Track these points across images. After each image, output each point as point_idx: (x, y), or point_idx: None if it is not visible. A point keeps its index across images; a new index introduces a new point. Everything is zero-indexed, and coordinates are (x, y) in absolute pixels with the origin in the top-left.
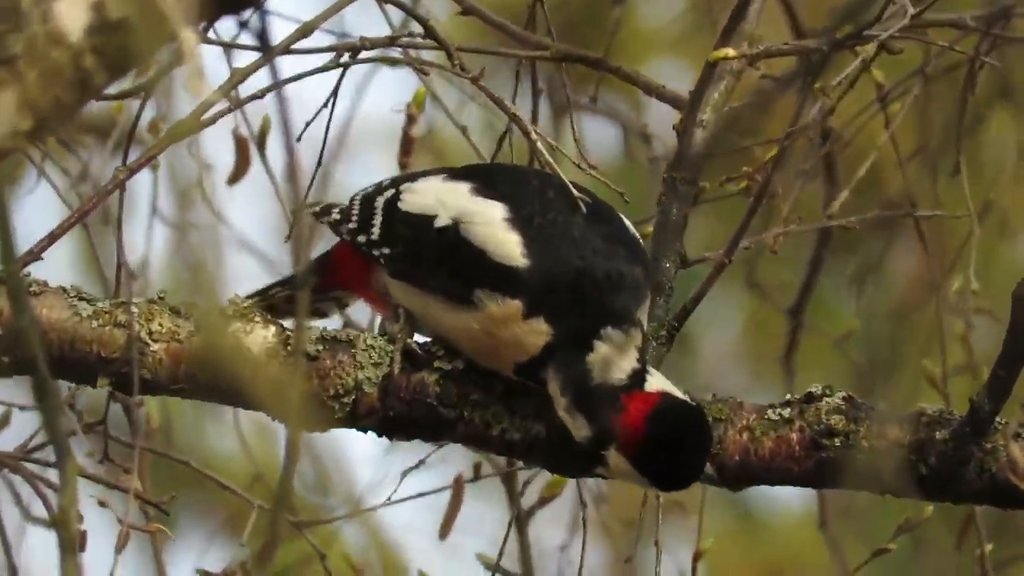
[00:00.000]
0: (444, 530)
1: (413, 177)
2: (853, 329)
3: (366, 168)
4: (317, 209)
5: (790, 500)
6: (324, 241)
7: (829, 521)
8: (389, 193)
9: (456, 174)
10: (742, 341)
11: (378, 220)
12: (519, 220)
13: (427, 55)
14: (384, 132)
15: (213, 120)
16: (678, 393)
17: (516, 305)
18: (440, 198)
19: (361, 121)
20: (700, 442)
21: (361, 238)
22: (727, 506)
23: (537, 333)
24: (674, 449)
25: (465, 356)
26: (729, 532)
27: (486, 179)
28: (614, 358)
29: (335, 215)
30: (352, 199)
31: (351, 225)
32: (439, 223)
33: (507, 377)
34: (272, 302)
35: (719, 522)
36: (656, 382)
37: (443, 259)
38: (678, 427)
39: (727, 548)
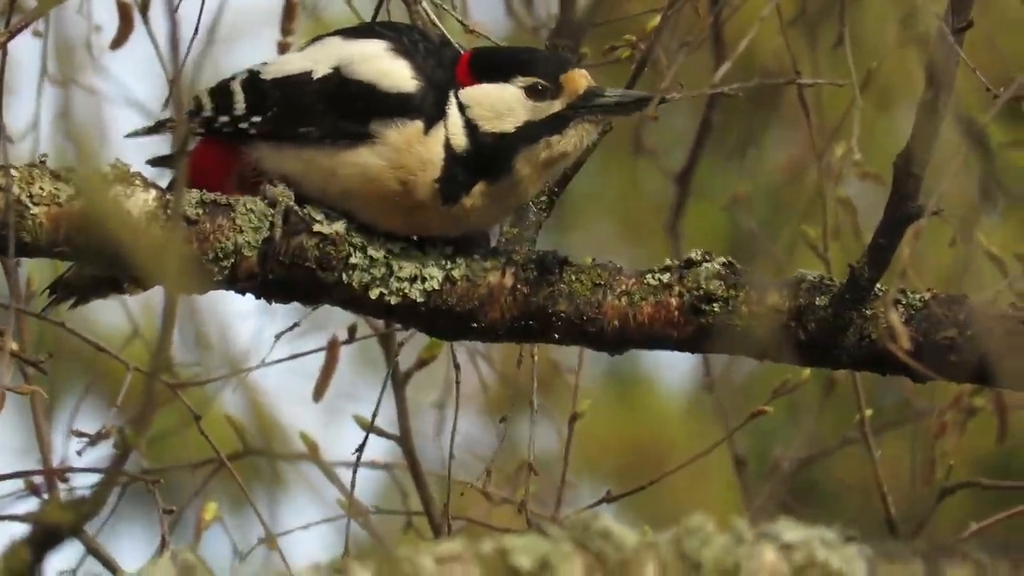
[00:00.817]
0: (319, 392)
1: (263, 63)
2: (740, 195)
3: (255, 43)
4: (148, 127)
5: (668, 370)
6: None
7: (714, 383)
8: (243, 75)
9: (318, 39)
10: (625, 211)
11: (239, 97)
12: (402, 49)
13: None
14: (272, 9)
15: None
16: None
17: (416, 126)
18: (311, 57)
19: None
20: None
21: (223, 118)
22: (607, 378)
23: (437, 141)
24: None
25: (356, 210)
26: (608, 403)
27: (352, 30)
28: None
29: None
30: (195, 97)
31: (205, 115)
32: (318, 75)
33: (391, 231)
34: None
35: (595, 392)
36: None
37: (329, 106)
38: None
39: (602, 420)
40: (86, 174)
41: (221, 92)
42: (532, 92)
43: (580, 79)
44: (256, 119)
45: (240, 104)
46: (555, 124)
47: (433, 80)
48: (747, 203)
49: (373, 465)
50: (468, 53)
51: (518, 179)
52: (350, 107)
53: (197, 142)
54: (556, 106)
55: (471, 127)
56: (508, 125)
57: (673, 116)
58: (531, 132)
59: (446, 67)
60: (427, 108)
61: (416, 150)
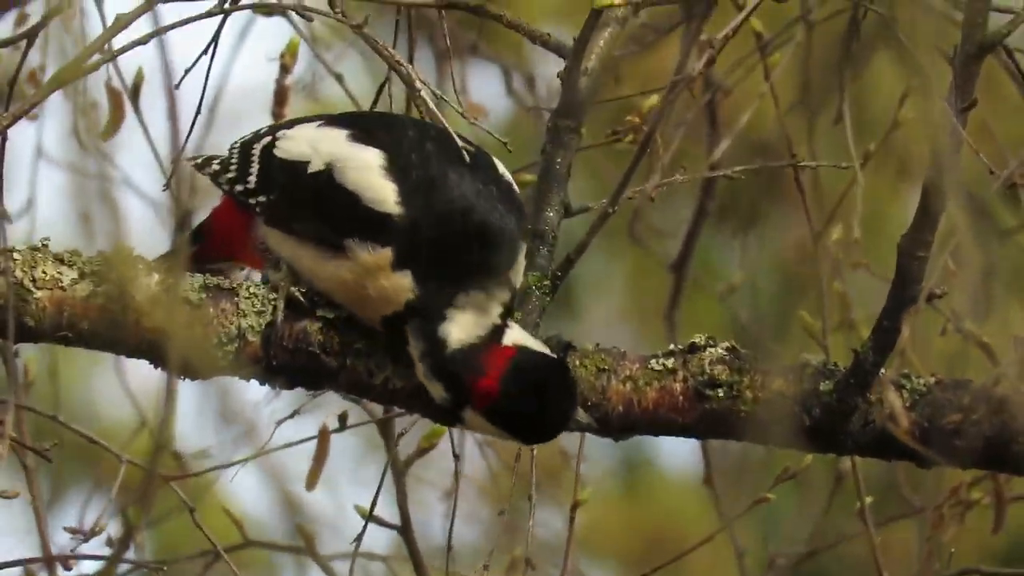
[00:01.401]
0: (311, 481)
1: (290, 124)
2: (736, 284)
3: (249, 124)
4: (198, 161)
5: (675, 458)
6: (204, 197)
7: (713, 476)
8: (266, 140)
9: (332, 120)
10: (627, 295)
11: (255, 168)
12: (395, 168)
13: (311, 3)
14: (267, 89)
15: (96, 66)
16: (535, 346)
17: (386, 254)
18: (314, 144)
19: (243, 79)
20: (559, 394)
21: (239, 187)
22: (613, 465)
23: (402, 289)
24: (531, 404)
25: (341, 306)
26: (615, 492)
27: (362, 126)
28: (473, 320)
29: (215, 166)
30: (231, 148)
31: (230, 175)
32: (312, 168)
33: (380, 329)
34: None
35: (604, 481)
36: (514, 335)
37: (316, 205)
38: (534, 382)
39: (612, 508)
40: (102, 258)
41: (244, 155)
42: None
43: None
44: (262, 199)
45: (253, 178)
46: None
47: (420, 206)
48: (744, 290)
49: (371, 556)
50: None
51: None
52: (331, 214)
53: (223, 197)
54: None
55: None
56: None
57: (675, 199)
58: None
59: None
60: (400, 239)
61: (382, 278)
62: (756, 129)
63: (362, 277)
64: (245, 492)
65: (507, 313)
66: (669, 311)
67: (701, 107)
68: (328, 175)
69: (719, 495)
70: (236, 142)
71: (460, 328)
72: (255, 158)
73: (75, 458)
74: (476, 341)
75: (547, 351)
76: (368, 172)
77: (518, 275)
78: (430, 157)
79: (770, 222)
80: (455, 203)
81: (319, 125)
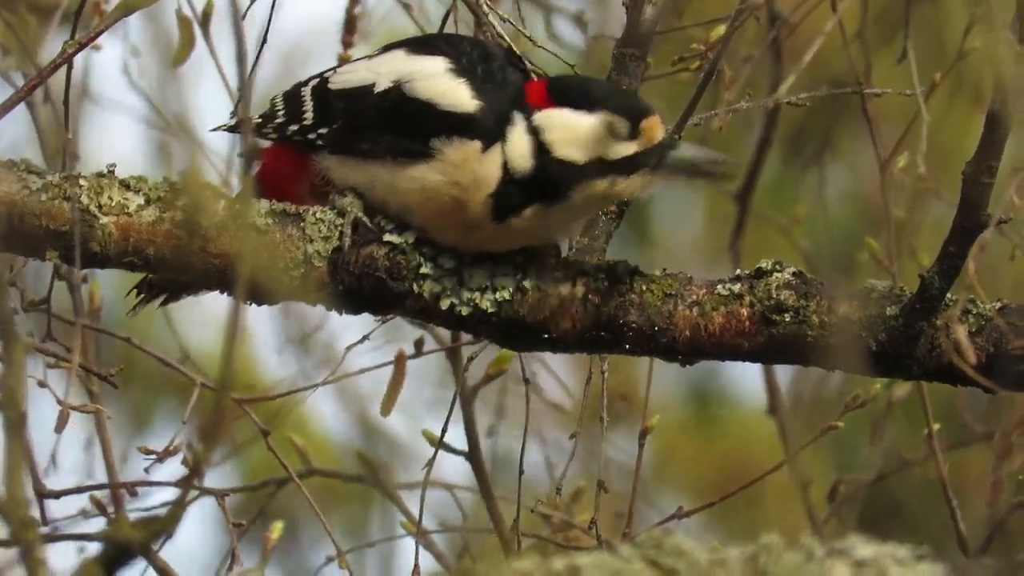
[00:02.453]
0: (386, 406)
1: (339, 66)
2: (800, 216)
3: (319, 57)
4: (231, 124)
5: (747, 385)
6: None
7: (779, 406)
8: (314, 81)
9: (386, 48)
10: (693, 225)
11: (309, 106)
12: (461, 69)
13: None
14: (335, 21)
15: None
16: None
17: (474, 145)
18: (375, 69)
19: (311, 12)
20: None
21: (293, 127)
22: (685, 394)
23: (494, 162)
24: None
25: (417, 226)
26: (687, 421)
27: (420, 44)
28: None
29: (258, 118)
30: (272, 101)
31: (278, 120)
32: (379, 88)
33: (455, 243)
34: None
35: (677, 409)
36: None
37: (389, 121)
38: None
39: (684, 436)
40: (190, 185)
41: (293, 98)
42: (611, 130)
43: (658, 128)
44: (323, 131)
45: (309, 114)
46: (626, 167)
47: (492, 101)
48: (813, 221)
49: (436, 484)
50: (545, 80)
51: (571, 207)
52: (409, 124)
53: (271, 145)
54: (631, 148)
55: (542, 150)
56: (580, 156)
57: (740, 130)
58: (600, 168)
59: (508, 87)
60: (486, 129)
61: (472, 167)
62: (823, 63)
63: (453, 173)
64: (324, 418)
65: None
66: (733, 241)
67: (767, 39)
68: (398, 90)
69: (789, 424)
70: (276, 96)
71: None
72: (306, 98)
73: (159, 384)
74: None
75: None
76: (437, 79)
77: None
78: (493, 61)
79: (839, 151)
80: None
81: (370, 57)
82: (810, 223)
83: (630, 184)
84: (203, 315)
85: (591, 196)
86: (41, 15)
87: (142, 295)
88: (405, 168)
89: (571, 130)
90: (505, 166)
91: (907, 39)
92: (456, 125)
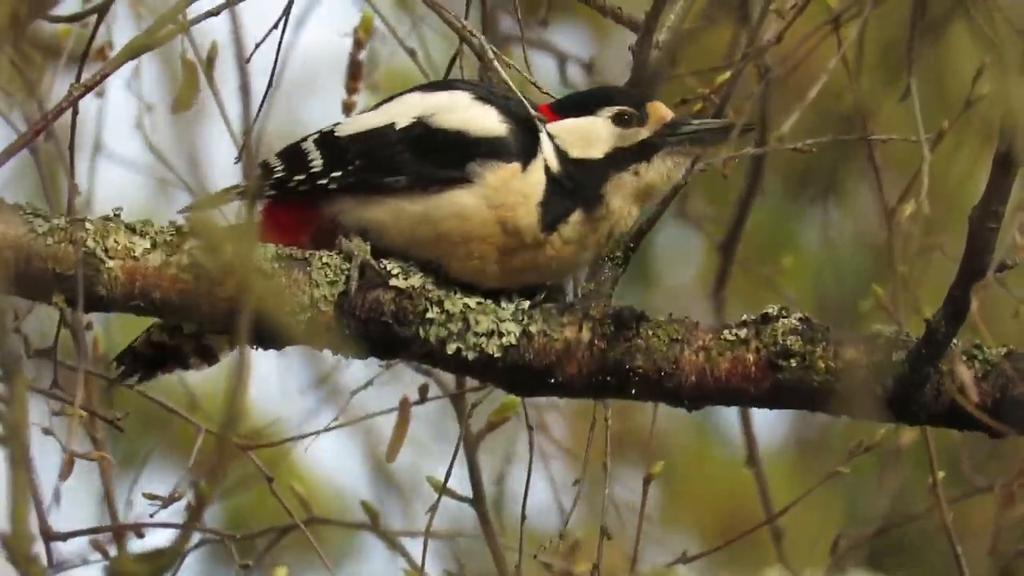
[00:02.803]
0: (391, 453)
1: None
2: (786, 266)
3: (321, 99)
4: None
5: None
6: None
7: (756, 458)
8: (315, 136)
9: (387, 99)
10: (695, 271)
11: (316, 155)
12: (484, 98)
13: None
14: (336, 67)
15: (169, 37)
16: None
17: (513, 167)
18: (390, 111)
19: (312, 56)
20: None
21: (298, 176)
22: (691, 440)
23: (537, 180)
24: None
25: (444, 259)
26: (694, 466)
27: (427, 86)
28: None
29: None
30: (263, 162)
31: (276, 176)
32: (401, 125)
33: (478, 279)
34: None
35: (684, 453)
36: None
37: (417, 153)
38: None
39: (691, 481)
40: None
41: (292, 154)
42: (619, 120)
43: (663, 109)
44: (336, 174)
45: (317, 162)
46: (643, 151)
47: (519, 121)
48: (808, 267)
49: (438, 535)
50: (547, 104)
51: (611, 209)
52: (440, 154)
53: (264, 205)
54: (643, 133)
55: (561, 155)
56: (596, 152)
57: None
58: (620, 159)
59: (525, 108)
60: (519, 148)
61: (515, 186)
62: (828, 105)
63: (492, 196)
64: (328, 461)
65: None
66: (716, 291)
67: (770, 80)
68: (422, 125)
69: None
70: (266, 158)
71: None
72: (310, 150)
73: (160, 430)
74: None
75: None
76: (462, 109)
77: None
78: (501, 92)
79: (844, 193)
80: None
81: (378, 105)
82: (810, 268)
83: (654, 169)
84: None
85: (624, 192)
86: (46, 55)
87: (122, 367)
88: (438, 196)
89: (581, 131)
90: (548, 169)
91: (910, 77)
92: (491, 149)
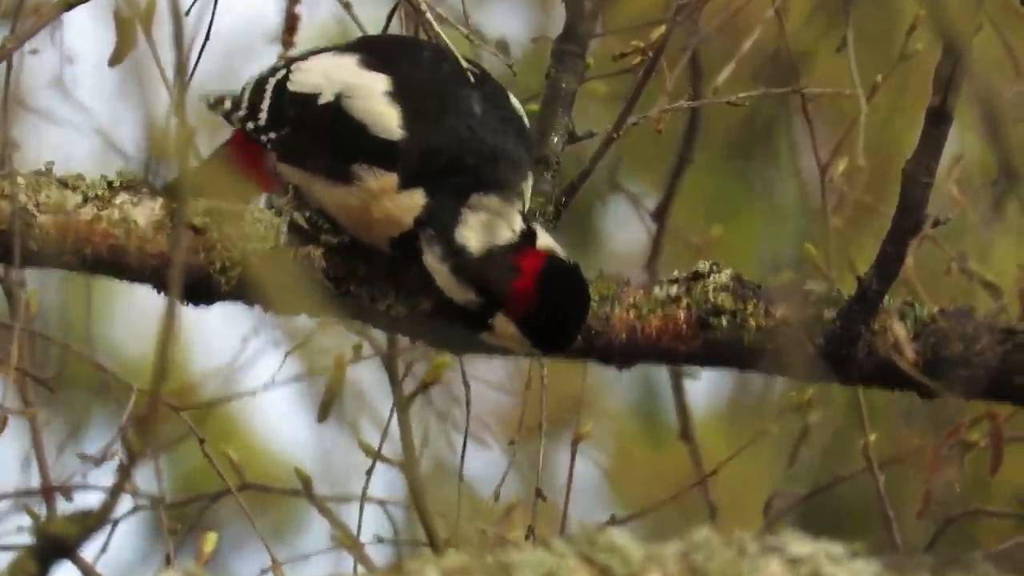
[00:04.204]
0: (322, 413)
1: (308, 55)
2: (715, 236)
3: (259, 56)
4: (211, 100)
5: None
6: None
7: (690, 430)
8: (280, 74)
9: (349, 47)
10: (630, 234)
11: (266, 104)
12: (401, 93)
13: None
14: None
15: None
16: (560, 251)
17: (391, 178)
18: (327, 74)
19: (252, 16)
20: (583, 303)
21: (250, 124)
22: (633, 406)
23: (410, 207)
24: (561, 310)
25: (349, 233)
26: (636, 433)
27: (376, 51)
28: (493, 221)
29: (227, 104)
30: (244, 85)
31: (241, 112)
32: (323, 99)
33: (389, 254)
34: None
35: (625, 421)
36: (544, 240)
37: (325, 135)
38: (566, 289)
39: (633, 451)
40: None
41: (257, 90)
42: None
43: None
44: (272, 135)
45: (264, 114)
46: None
47: (424, 138)
48: (749, 229)
49: (370, 500)
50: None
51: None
52: (340, 144)
53: (236, 130)
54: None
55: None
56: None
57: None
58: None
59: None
60: (407, 163)
61: (384, 203)
62: (764, 60)
63: (368, 202)
64: (260, 424)
65: (528, 220)
66: (649, 261)
67: (703, 33)
68: (337, 106)
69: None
70: (250, 80)
71: (480, 231)
72: (267, 94)
73: (96, 393)
74: (507, 244)
75: (568, 257)
76: (373, 100)
77: (525, 201)
78: (443, 82)
79: (780, 150)
80: (462, 125)
81: (333, 54)
82: (750, 233)
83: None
84: (141, 318)
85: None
86: None
87: None
88: (336, 186)
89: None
90: (419, 222)
91: (847, 28)
92: (380, 153)
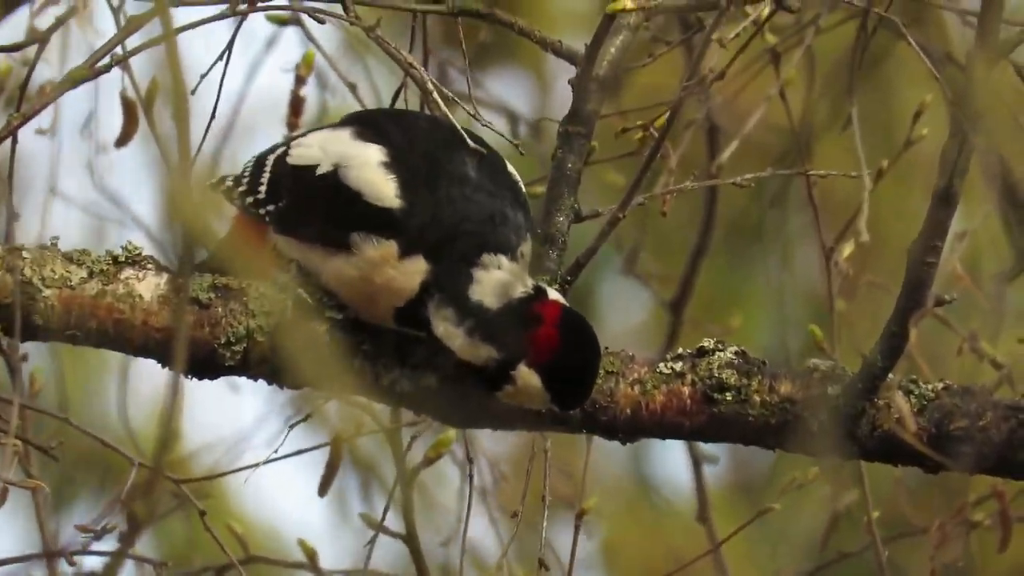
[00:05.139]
0: (323, 488)
1: (307, 132)
2: (734, 326)
3: (264, 136)
4: (213, 181)
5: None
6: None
7: (708, 513)
8: (280, 150)
9: (345, 121)
10: (636, 322)
11: (266, 178)
12: (397, 162)
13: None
14: (282, 101)
15: (107, 68)
16: (571, 305)
17: (391, 246)
18: (323, 146)
19: (258, 92)
20: (598, 352)
21: (249, 199)
22: (629, 486)
23: (413, 273)
24: (583, 356)
25: (352, 308)
26: (634, 511)
27: (371, 123)
28: (505, 277)
29: (228, 182)
30: (245, 164)
31: (241, 188)
32: (320, 170)
33: (394, 328)
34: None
35: (624, 497)
36: (554, 295)
37: (323, 206)
38: (584, 337)
39: (631, 526)
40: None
41: (257, 166)
42: None
43: None
44: (270, 207)
45: (264, 187)
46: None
47: (422, 205)
48: (757, 314)
49: (378, 574)
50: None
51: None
52: (337, 213)
53: (238, 209)
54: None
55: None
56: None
57: (685, 213)
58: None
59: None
60: (407, 230)
61: (385, 273)
62: (769, 140)
63: (368, 272)
64: (260, 496)
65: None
66: (666, 348)
67: (709, 114)
68: (334, 175)
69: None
70: (251, 157)
71: (495, 287)
72: (267, 168)
73: (89, 464)
74: (524, 296)
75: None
76: (368, 169)
77: (526, 264)
78: (438, 150)
79: (787, 245)
80: (458, 191)
81: (331, 129)
82: (758, 322)
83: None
84: (143, 391)
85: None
86: None
87: None
88: (334, 256)
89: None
90: (425, 287)
91: (851, 106)
92: (378, 221)
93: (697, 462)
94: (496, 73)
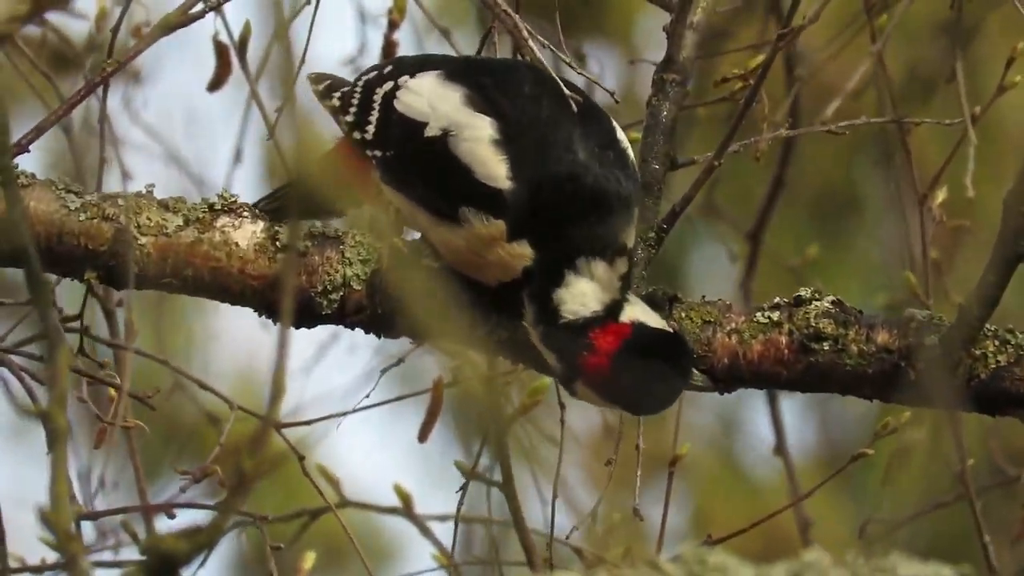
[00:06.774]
0: (424, 434)
1: (414, 68)
2: (810, 256)
3: None
4: (321, 88)
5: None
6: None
7: (785, 446)
8: (388, 86)
9: (453, 74)
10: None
11: (375, 116)
12: (507, 137)
13: None
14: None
15: (201, 14)
16: (654, 321)
17: (500, 225)
18: (432, 103)
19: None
20: (672, 371)
21: (357, 135)
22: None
23: (519, 256)
24: (643, 382)
25: (453, 267)
26: (720, 478)
27: (480, 84)
28: (591, 289)
29: (335, 100)
30: (355, 82)
31: (349, 118)
32: (429, 132)
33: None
34: (279, 204)
35: (710, 470)
36: (632, 311)
37: (431, 170)
38: (646, 361)
39: (719, 497)
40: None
41: (366, 94)
42: None
43: None
44: (377, 153)
45: (372, 127)
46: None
47: (528, 185)
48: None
49: (470, 519)
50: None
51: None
52: (444, 182)
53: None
54: None
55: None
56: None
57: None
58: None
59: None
60: (514, 213)
61: (497, 250)
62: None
63: (477, 246)
64: (356, 449)
65: (625, 286)
66: (745, 280)
67: (802, 68)
68: (443, 142)
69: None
70: (361, 76)
71: (576, 296)
72: (376, 105)
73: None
74: (591, 315)
75: (665, 325)
76: (480, 145)
77: (630, 237)
78: (546, 121)
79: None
80: (568, 169)
81: (439, 77)
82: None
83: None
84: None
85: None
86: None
87: None
88: (439, 223)
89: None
90: (527, 273)
91: (956, 60)
92: (487, 200)
93: (773, 396)
94: (584, 44)
